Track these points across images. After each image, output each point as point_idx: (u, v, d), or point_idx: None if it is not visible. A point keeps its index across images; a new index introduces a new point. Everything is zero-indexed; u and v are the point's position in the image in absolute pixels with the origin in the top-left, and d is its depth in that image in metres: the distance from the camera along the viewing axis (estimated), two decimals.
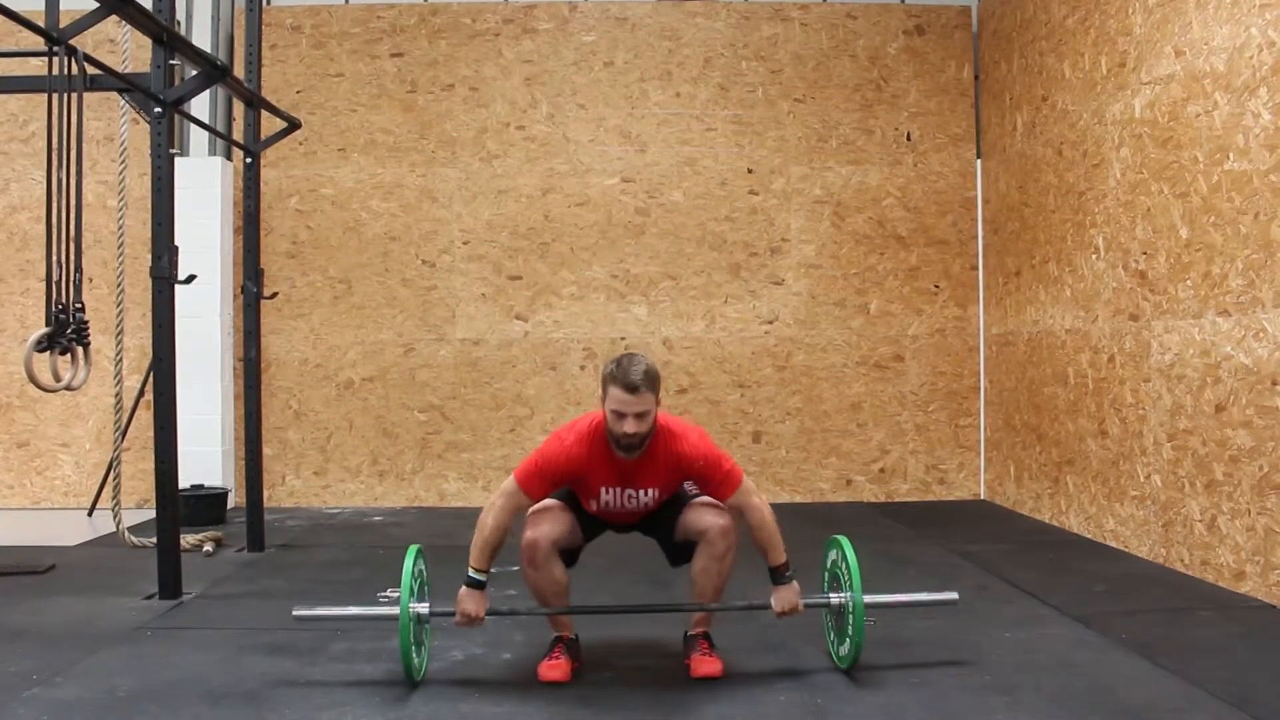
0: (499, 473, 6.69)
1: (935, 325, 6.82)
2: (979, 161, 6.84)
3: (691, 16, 6.87)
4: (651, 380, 2.96)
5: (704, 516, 3.10)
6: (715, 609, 3.17)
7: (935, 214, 6.83)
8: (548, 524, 3.09)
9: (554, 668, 3.09)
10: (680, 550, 3.23)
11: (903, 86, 6.85)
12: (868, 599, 3.04)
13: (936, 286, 6.83)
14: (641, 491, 3.10)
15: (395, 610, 3.00)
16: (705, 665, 3.10)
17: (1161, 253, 4.61)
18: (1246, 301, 4.01)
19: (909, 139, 6.84)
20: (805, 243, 6.80)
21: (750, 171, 6.79)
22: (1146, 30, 4.72)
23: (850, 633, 3.04)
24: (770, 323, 6.79)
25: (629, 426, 2.95)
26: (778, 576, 3.09)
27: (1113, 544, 5.02)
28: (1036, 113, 5.94)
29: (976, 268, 6.83)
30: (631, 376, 2.93)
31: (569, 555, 3.21)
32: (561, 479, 3.08)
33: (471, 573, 3.03)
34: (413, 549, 3.13)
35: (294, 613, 3.23)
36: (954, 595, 3.37)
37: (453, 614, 3.05)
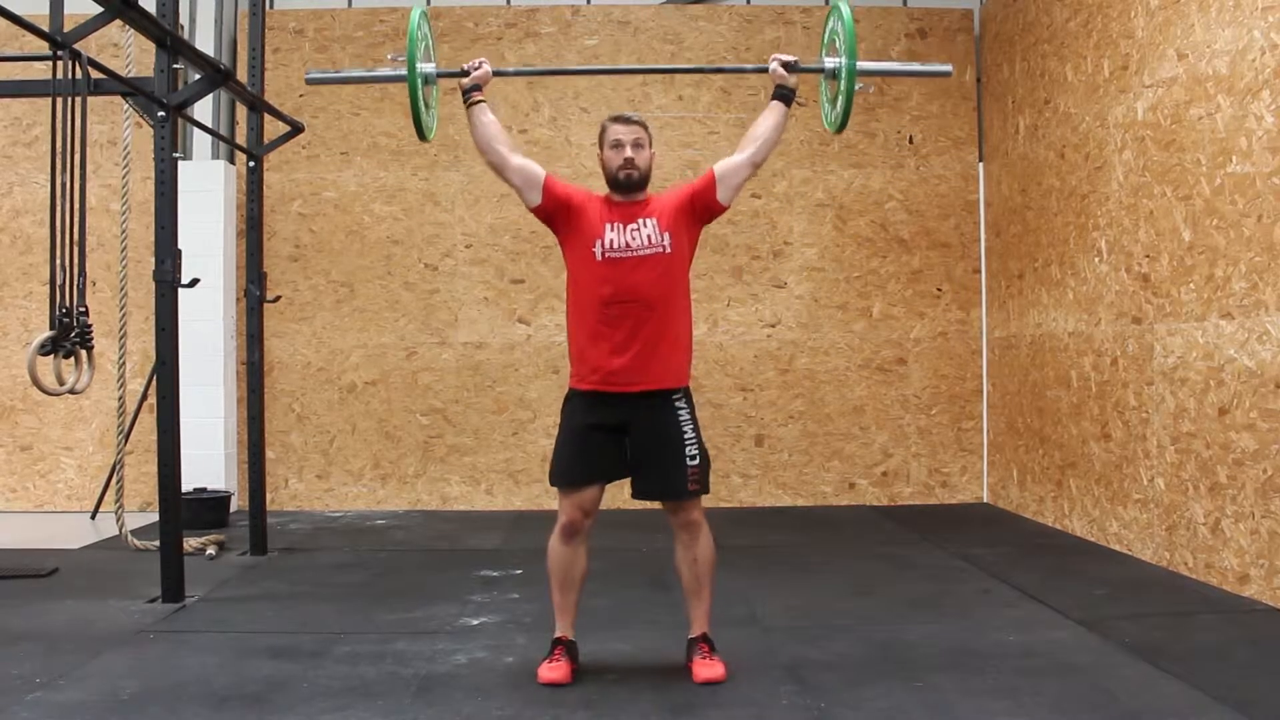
0: (501, 476, 6.70)
1: (938, 328, 6.82)
2: (981, 164, 6.84)
3: (694, 20, 6.87)
4: (644, 121, 3.22)
5: (677, 512, 3.12)
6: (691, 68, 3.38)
7: (937, 217, 6.83)
8: (589, 500, 3.11)
9: (554, 669, 3.10)
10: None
11: (905, 89, 6.84)
12: (861, 65, 3.19)
13: (939, 290, 6.83)
14: (643, 222, 3.17)
15: (403, 71, 3.10)
16: (707, 669, 3.10)
17: (1164, 255, 4.60)
18: (1250, 304, 4.00)
19: (911, 142, 6.84)
20: (808, 246, 6.80)
21: None
22: (1149, 33, 4.72)
23: (841, 93, 3.21)
24: (773, 326, 6.79)
25: (628, 152, 3.14)
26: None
27: (1116, 547, 5.02)
28: (1039, 116, 5.94)
29: (979, 271, 6.83)
30: (625, 113, 3.26)
31: None
32: (575, 196, 3.29)
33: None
34: (416, 11, 3.18)
35: (306, 75, 3.43)
36: (948, 67, 3.52)
37: (459, 73, 3.18)
